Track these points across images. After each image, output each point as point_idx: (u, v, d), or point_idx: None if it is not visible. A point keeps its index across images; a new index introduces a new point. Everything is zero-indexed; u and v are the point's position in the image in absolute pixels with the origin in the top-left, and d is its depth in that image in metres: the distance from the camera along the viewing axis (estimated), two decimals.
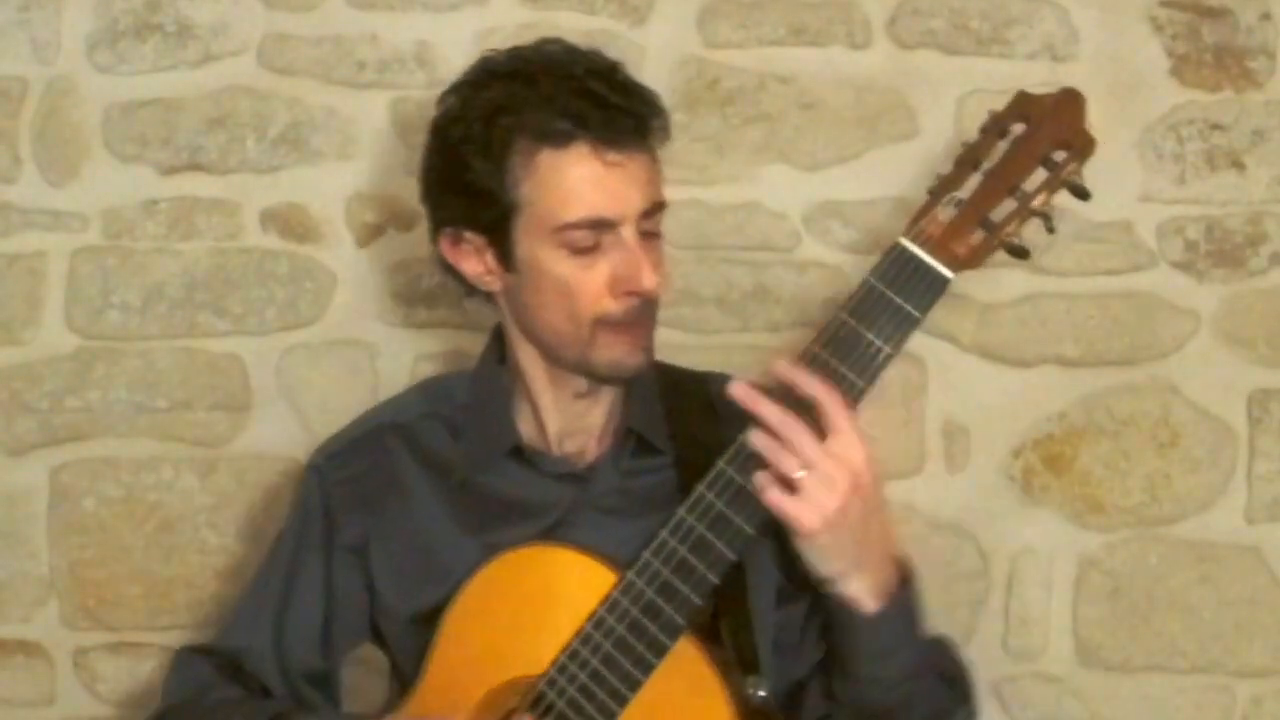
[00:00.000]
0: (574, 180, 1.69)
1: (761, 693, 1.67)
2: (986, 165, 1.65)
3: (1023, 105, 1.67)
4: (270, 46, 2.25)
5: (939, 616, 2.24)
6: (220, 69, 2.25)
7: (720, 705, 1.65)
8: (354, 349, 2.28)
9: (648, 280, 1.70)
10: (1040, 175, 1.65)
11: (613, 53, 2.18)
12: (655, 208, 1.75)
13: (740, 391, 1.62)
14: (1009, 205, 1.64)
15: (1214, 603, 2.27)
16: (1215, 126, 2.23)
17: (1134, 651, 2.29)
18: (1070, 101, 1.67)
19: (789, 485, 1.60)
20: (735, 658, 1.69)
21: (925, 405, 2.27)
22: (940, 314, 2.17)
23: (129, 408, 2.29)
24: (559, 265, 1.71)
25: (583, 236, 1.70)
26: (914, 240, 1.63)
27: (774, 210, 2.25)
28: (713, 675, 1.66)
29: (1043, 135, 1.65)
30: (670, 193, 2.20)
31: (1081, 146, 1.65)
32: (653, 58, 2.22)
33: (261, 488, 2.29)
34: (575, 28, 2.19)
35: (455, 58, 2.18)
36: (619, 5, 2.23)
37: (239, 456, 2.29)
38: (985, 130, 1.67)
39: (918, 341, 2.18)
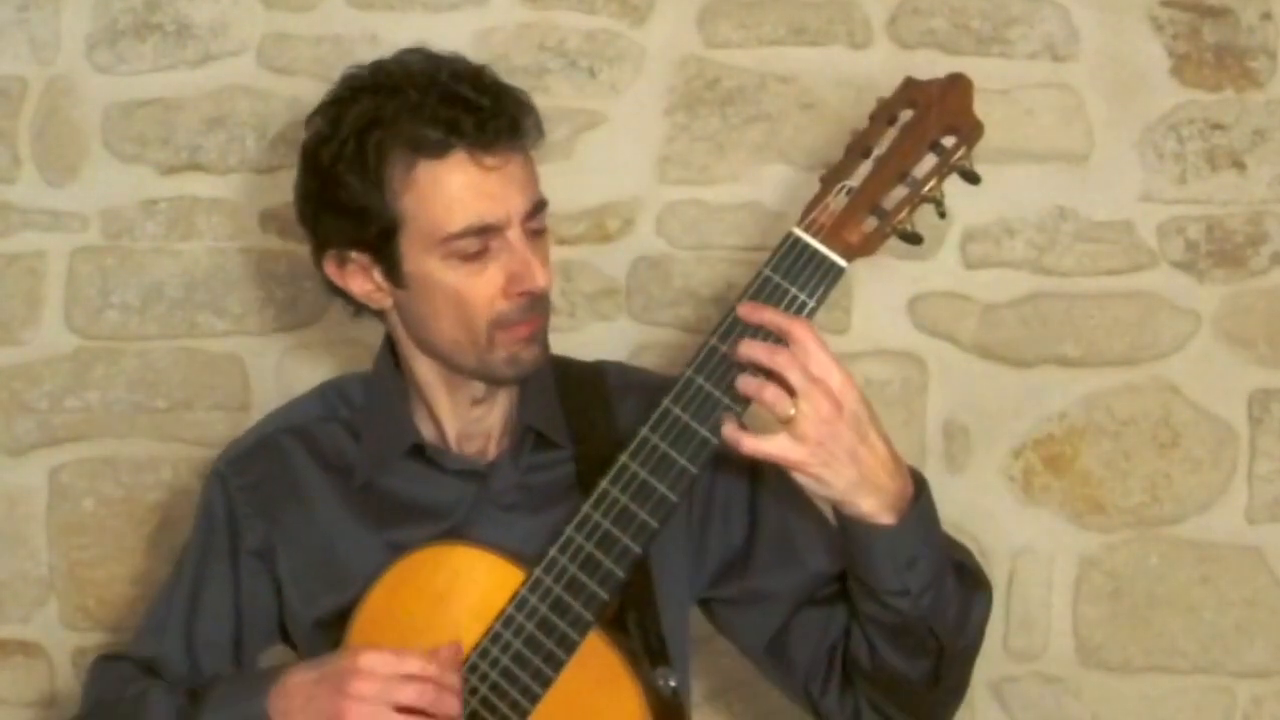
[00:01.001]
0: (454, 189, 1.67)
1: (671, 683, 1.68)
2: (877, 153, 1.65)
3: (910, 91, 1.66)
4: (270, 46, 2.25)
5: None
6: (220, 69, 2.25)
7: (631, 697, 1.65)
8: (353, 348, 2.26)
9: (540, 278, 1.69)
10: (930, 161, 1.64)
11: (612, 53, 2.21)
12: (537, 207, 1.72)
13: (747, 308, 1.60)
14: (900, 192, 1.63)
15: (1215, 603, 2.28)
16: (1216, 126, 2.23)
17: (1134, 652, 2.29)
18: (957, 87, 1.65)
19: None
20: (643, 649, 1.69)
21: (926, 405, 2.27)
22: (941, 314, 2.25)
23: (128, 408, 2.29)
24: (449, 275, 1.69)
25: (469, 244, 1.67)
26: (807, 230, 1.61)
27: (774, 210, 2.25)
28: (622, 668, 1.66)
29: (930, 121, 1.63)
30: (670, 192, 2.23)
31: (969, 131, 1.62)
32: (653, 57, 2.23)
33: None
34: (575, 27, 2.20)
35: None
36: (619, 4, 2.23)
37: None
38: (874, 117, 1.66)
39: (918, 341, 2.25)
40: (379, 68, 1.74)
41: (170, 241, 2.27)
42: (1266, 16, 2.22)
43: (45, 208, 2.27)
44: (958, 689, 1.75)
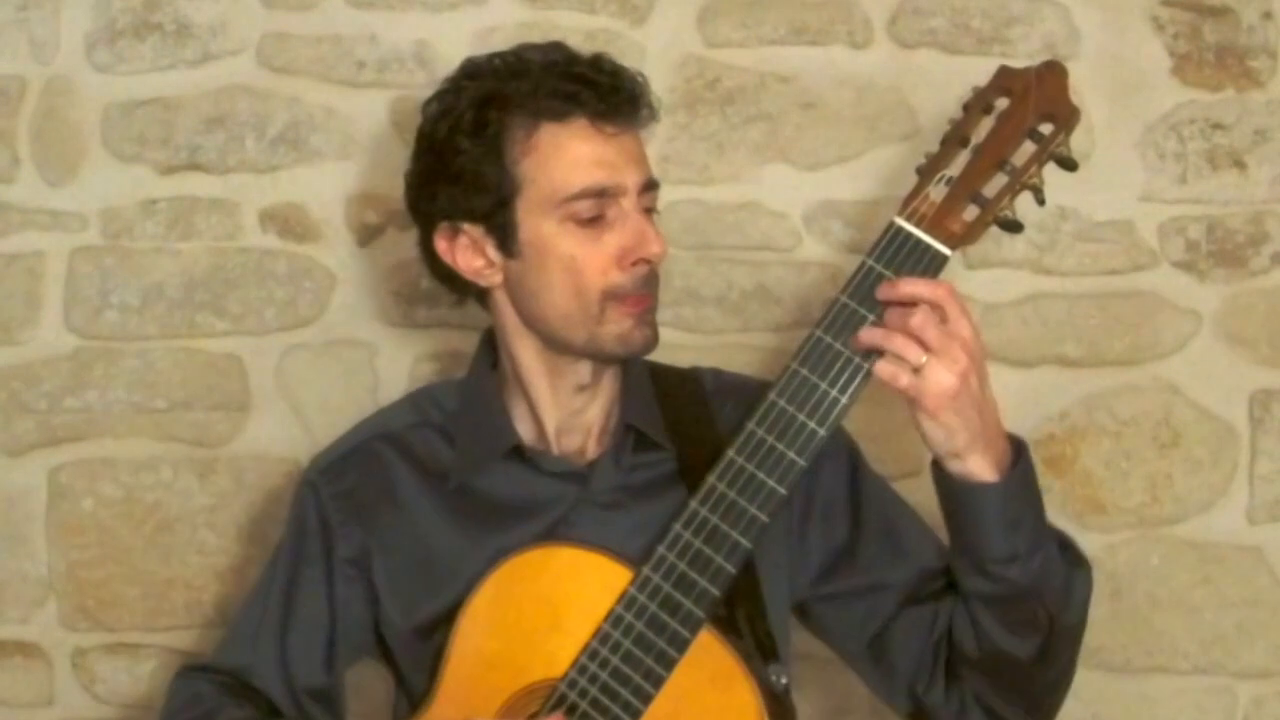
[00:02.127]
0: (575, 152, 1.71)
1: (783, 679, 1.69)
2: (974, 142, 1.66)
3: (1006, 80, 1.67)
4: (269, 46, 2.25)
5: None
6: (219, 68, 2.25)
7: (746, 694, 1.65)
8: (353, 349, 2.28)
9: (655, 245, 1.72)
10: (1028, 148, 1.66)
11: (613, 52, 2.19)
12: (651, 184, 1.77)
13: (886, 288, 1.63)
14: (999, 180, 1.65)
15: (1215, 603, 2.28)
16: (1217, 126, 2.24)
17: (1135, 652, 2.29)
18: (1053, 73, 1.67)
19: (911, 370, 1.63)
20: (754, 646, 1.70)
21: None
22: None
23: (128, 408, 2.29)
24: (565, 240, 1.72)
25: (587, 207, 1.71)
26: (909, 219, 1.64)
27: (774, 210, 2.26)
28: (736, 665, 1.66)
29: (1027, 108, 1.65)
30: (671, 192, 2.20)
31: (1066, 117, 1.65)
32: (653, 57, 2.23)
33: (261, 488, 2.29)
34: (575, 27, 2.20)
35: (454, 57, 2.12)
36: (619, 4, 2.23)
37: (238, 457, 2.29)
38: (970, 107, 1.68)
39: None
40: (498, 55, 1.78)
41: (170, 241, 2.27)
42: (1267, 16, 2.22)
43: (44, 207, 2.27)
44: (1066, 671, 1.77)
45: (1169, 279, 2.25)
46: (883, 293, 1.62)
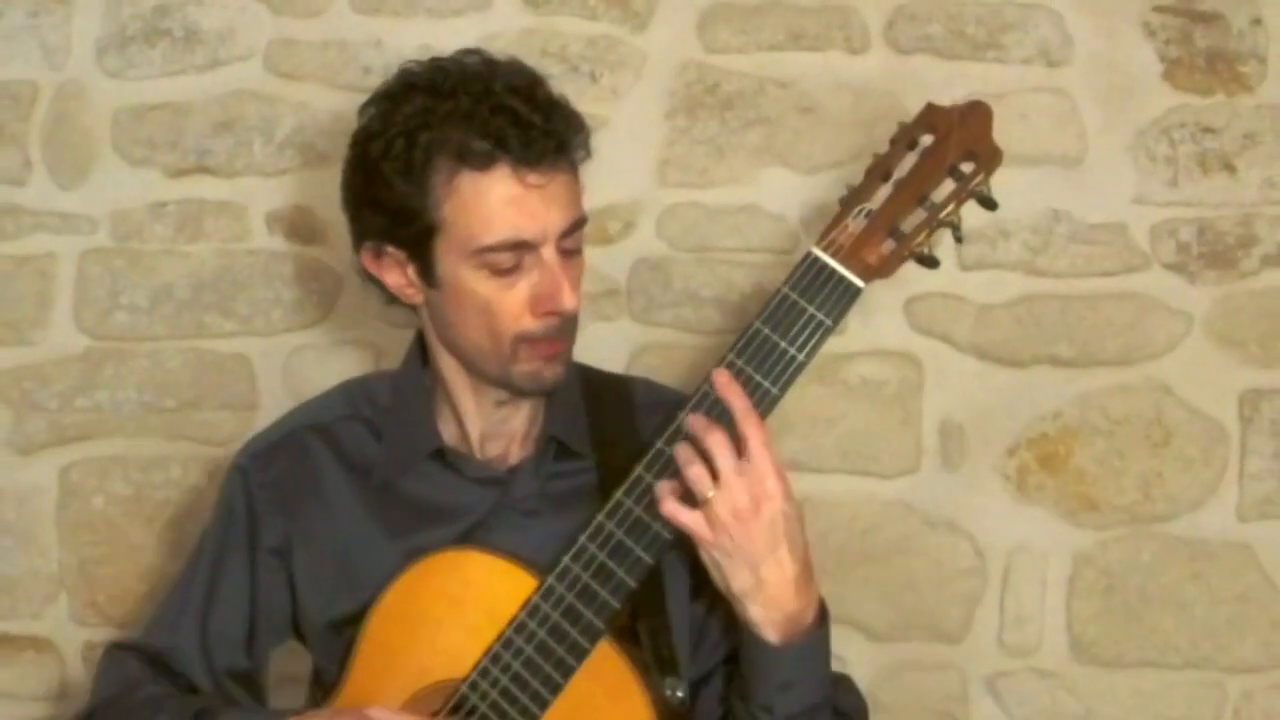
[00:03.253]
0: (495, 202, 1.67)
1: (680, 694, 1.68)
2: (896, 176, 1.66)
3: (930, 117, 1.66)
4: (276, 51, 2.26)
5: (935, 613, 2.29)
6: (227, 73, 2.26)
7: (640, 706, 1.66)
8: (359, 349, 2.29)
9: (568, 301, 1.69)
10: (948, 186, 1.65)
11: (613, 58, 2.22)
12: (575, 225, 1.72)
13: (722, 379, 1.63)
14: (919, 215, 1.64)
15: (1206, 599, 2.29)
16: (1207, 130, 2.24)
17: (1127, 647, 2.30)
18: (976, 113, 1.66)
19: (693, 498, 1.62)
20: (653, 659, 1.70)
21: (922, 404, 2.28)
22: (937, 314, 2.25)
23: (137, 407, 2.30)
24: (480, 285, 1.70)
25: (503, 258, 1.68)
26: (826, 250, 1.64)
27: (773, 212, 2.26)
28: (632, 677, 1.67)
29: (950, 147, 1.64)
30: (671, 195, 2.23)
31: (988, 158, 1.64)
32: (654, 62, 2.23)
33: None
34: (577, 33, 2.21)
35: None
36: (620, 10, 2.24)
37: None
38: (895, 141, 1.67)
39: (915, 341, 2.26)
40: (436, 67, 1.73)
41: (179, 243, 2.28)
42: (1257, 22, 2.22)
43: (55, 210, 2.28)
44: None
45: (1160, 280, 2.26)
46: (718, 381, 1.63)
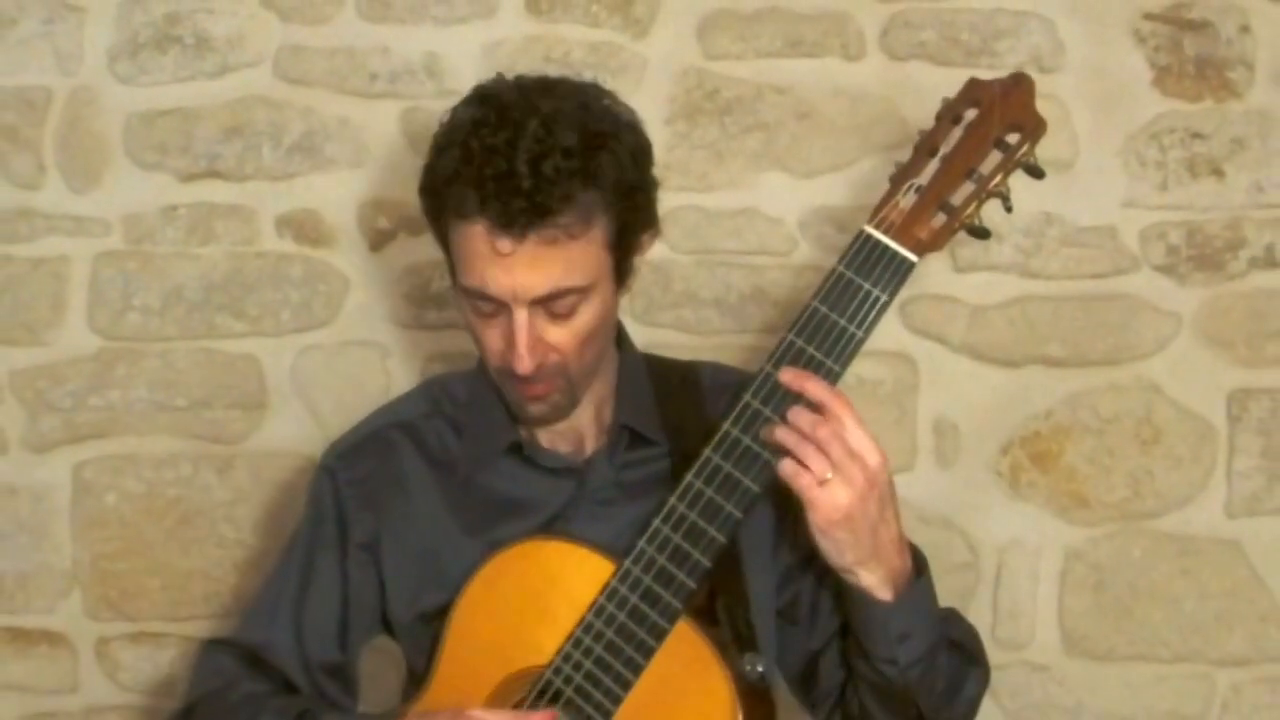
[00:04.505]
0: (470, 253, 1.69)
1: (759, 668, 1.70)
2: (943, 151, 1.65)
3: (974, 91, 1.67)
4: (285, 58, 2.27)
5: None
6: (237, 80, 2.27)
7: (719, 683, 1.67)
8: (366, 349, 2.30)
9: (520, 365, 1.68)
10: (995, 157, 1.65)
11: (615, 64, 2.23)
12: (558, 293, 1.68)
13: (790, 376, 1.64)
14: (967, 188, 1.64)
15: (1195, 594, 2.30)
16: (1196, 135, 2.25)
17: (1118, 641, 2.32)
18: (1019, 85, 1.66)
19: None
20: (732, 636, 1.72)
21: (917, 403, 2.29)
22: (931, 316, 2.27)
23: (149, 406, 2.31)
24: (470, 315, 1.74)
25: (479, 304, 1.70)
26: (878, 227, 1.64)
27: (771, 216, 2.28)
28: (711, 655, 1.68)
29: (995, 119, 1.64)
30: (671, 199, 2.19)
31: (1033, 128, 1.64)
32: (654, 69, 2.25)
33: (277, 483, 2.31)
34: (580, 40, 2.22)
35: (463, 69, 2.22)
36: (622, 18, 2.25)
37: (255, 453, 2.32)
38: (940, 117, 1.68)
39: (910, 342, 2.27)
40: (486, 96, 1.71)
41: (189, 246, 2.29)
42: (1245, 29, 2.24)
43: (69, 213, 2.29)
44: None
45: (1150, 282, 2.27)
46: (787, 378, 1.63)
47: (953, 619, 1.80)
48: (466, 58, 2.24)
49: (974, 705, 1.78)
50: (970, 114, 1.66)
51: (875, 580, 1.66)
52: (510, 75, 1.76)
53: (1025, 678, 2.32)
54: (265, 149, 2.28)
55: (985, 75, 2.12)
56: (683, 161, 2.26)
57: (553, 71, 2.18)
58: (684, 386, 1.85)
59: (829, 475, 1.61)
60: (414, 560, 1.83)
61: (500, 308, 1.70)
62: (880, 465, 1.63)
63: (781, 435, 1.63)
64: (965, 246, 2.24)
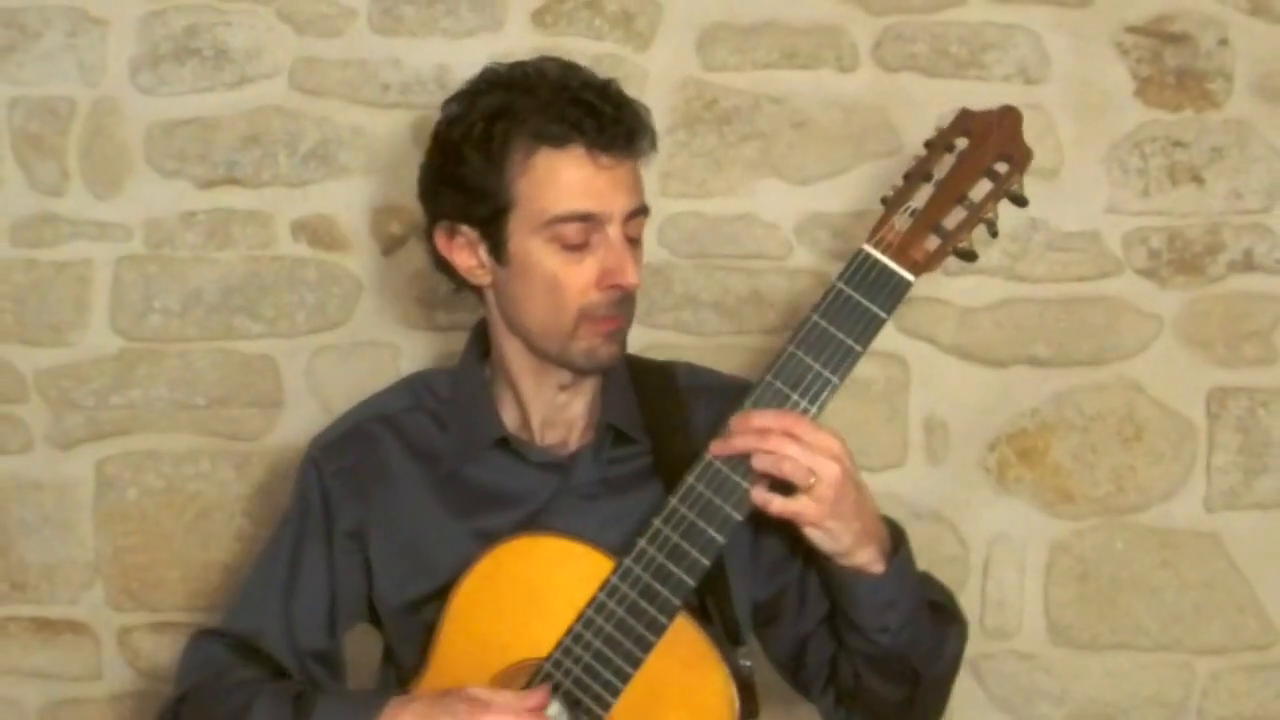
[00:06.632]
0: (568, 178, 1.72)
1: (747, 663, 1.75)
2: (937, 177, 1.70)
3: (966, 121, 1.71)
4: (300, 69, 2.29)
5: None
6: (254, 90, 2.29)
7: (718, 677, 1.71)
8: (378, 350, 2.32)
9: (631, 275, 1.73)
10: (985, 186, 1.70)
11: (618, 75, 2.19)
12: (638, 212, 1.77)
13: (719, 449, 1.68)
14: (959, 213, 1.70)
15: (1175, 585, 2.33)
16: (1177, 143, 2.28)
17: (1101, 631, 2.34)
18: (1009, 117, 1.71)
19: (785, 488, 1.67)
20: (723, 632, 1.76)
21: (908, 402, 2.32)
22: (921, 317, 2.29)
23: (169, 405, 2.34)
24: (549, 259, 1.74)
25: (573, 232, 1.72)
26: (876, 247, 1.68)
27: (768, 221, 2.30)
28: (709, 650, 1.71)
29: (986, 149, 1.69)
30: (671, 205, 2.26)
31: (1021, 159, 1.69)
32: (655, 80, 2.27)
33: (293, 479, 2.23)
34: (583, 51, 2.23)
35: None
36: (624, 31, 2.27)
37: (272, 450, 2.34)
38: (932, 145, 1.72)
39: (901, 343, 2.29)
40: (517, 66, 1.80)
41: (208, 250, 2.31)
42: (1224, 42, 2.26)
43: (92, 219, 2.31)
44: (935, 710, 1.83)
45: (1132, 285, 2.29)
46: (733, 426, 1.67)
47: (927, 581, 1.83)
48: (475, 69, 2.09)
49: (956, 660, 1.81)
50: (962, 143, 1.71)
51: (870, 556, 1.70)
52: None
53: (1012, 666, 2.34)
54: (281, 157, 2.30)
55: (974, 86, 2.23)
56: (683, 169, 2.28)
57: None
58: (661, 386, 1.88)
59: (811, 480, 1.65)
60: (400, 548, 1.84)
61: (589, 235, 1.73)
62: (842, 449, 1.67)
63: (756, 460, 1.67)
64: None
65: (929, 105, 2.26)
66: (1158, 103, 2.29)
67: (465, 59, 2.26)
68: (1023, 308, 2.31)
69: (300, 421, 2.33)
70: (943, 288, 2.29)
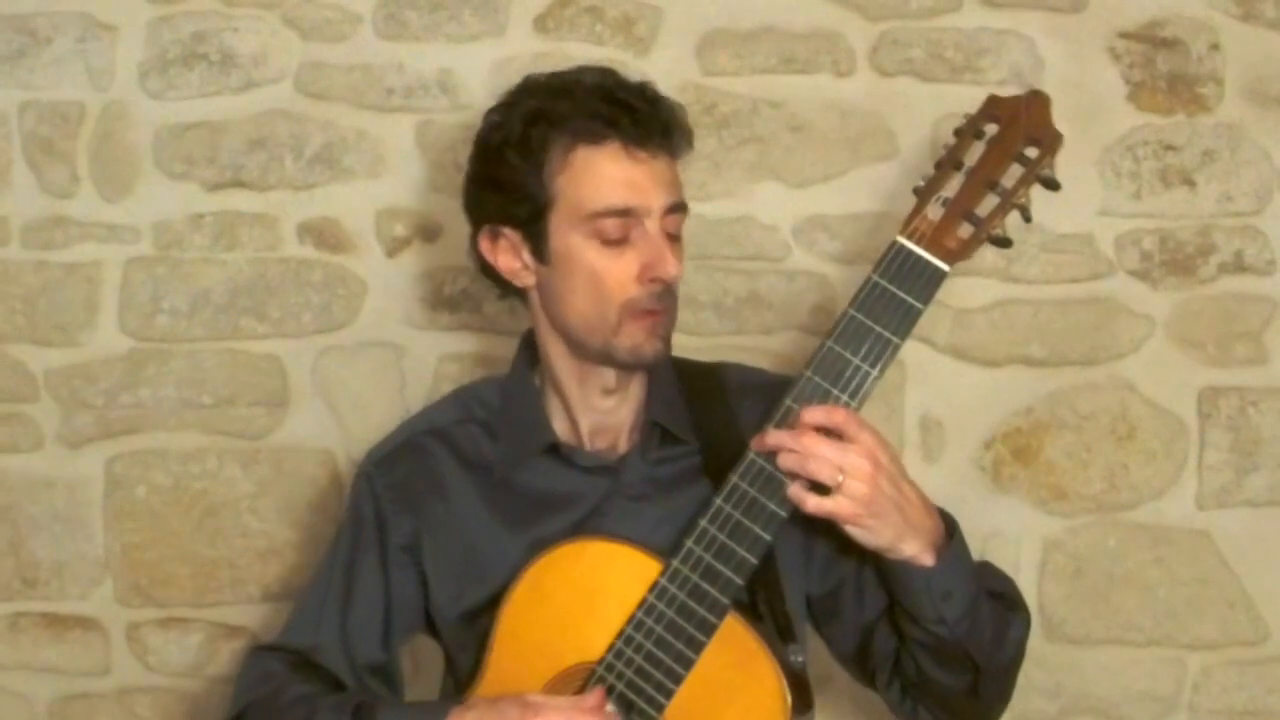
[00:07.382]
0: (606, 173, 1.74)
1: (800, 659, 1.75)
2: (967, 165, 1.68)
3: (994, 107, 1.70)
4: (306, 74, 2.31)
5: None
6: (260, 94, 2.31)
7: (769, 674, 1.70)
8: (383, 350, 2.34)
9: (672, 267, 1.74)
10: (1016, 170, 1.67)
11: None
12: (677, 207, 1.78)
13: (758, 445, 1.67)
14: (991, 200, 1.67)
15: (1167, 582, 2.34)
16: (1168, 147, 2.30)
17: (1094, 626, 2.35)
18: (1037, 101, 1.69)
19: (821, 488, 1.66)
20: (774, 629, 1.75)
21: (904, 401, 2.33)
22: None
23: (177, 404, 2.36)
24: (590, 254, 1.76)
25: (612, 226, 1.74)
26: (910, 238, 1.66)
27: (766, 223, 2.32)
28: (759, 648, 1.70)
29: (1015, 134, 1.67)
30: None
31: (1050, 141, 1.67)
32: (655, 84, 2.22)
33: (298, 477, 2.34)
34: (585, 57, 2.23)
35: (475, 84, 2.27)
36: (625, 36, 2.29)
37: (278, 448, 2.36)
38: (961, 133, 1.70)
39: None
40: (556, 75, 1.83)
41: (215, 252, 2.33)
42: (1215, 47, 2.28)
43: (102, 221, 2.33)
44: (1000, 698, 1.82)
45: (1125, 286, 2.31)
46: (764, 442, 1.66)
47: (986, 570, 1.82)
48: (477, 73, 2.27)
49: (1021, 646, 1.80)
50: (991, 129, 1.69)
51: (917, 549, 1.69)
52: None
53: None
54: (287, 160, 2.32)
55: (970, 90, 2.22)
56: (683, 172, 2.19)
57: None
58: (710, 387, 1.88)
59: (839, 479, 1.64)
60: (455, 559, 1.85)
61: (629, 229, 1.75)
62: (876, 444, 1.66)
63: (783, 459, 1.67)
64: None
65: (925, 109, 2.28)
66: (1150, 107, 2.30)
67: (468, 64, 2.30)
68: (1017, 308, 2.33)
69: (306, 420, 2.35)
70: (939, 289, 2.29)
